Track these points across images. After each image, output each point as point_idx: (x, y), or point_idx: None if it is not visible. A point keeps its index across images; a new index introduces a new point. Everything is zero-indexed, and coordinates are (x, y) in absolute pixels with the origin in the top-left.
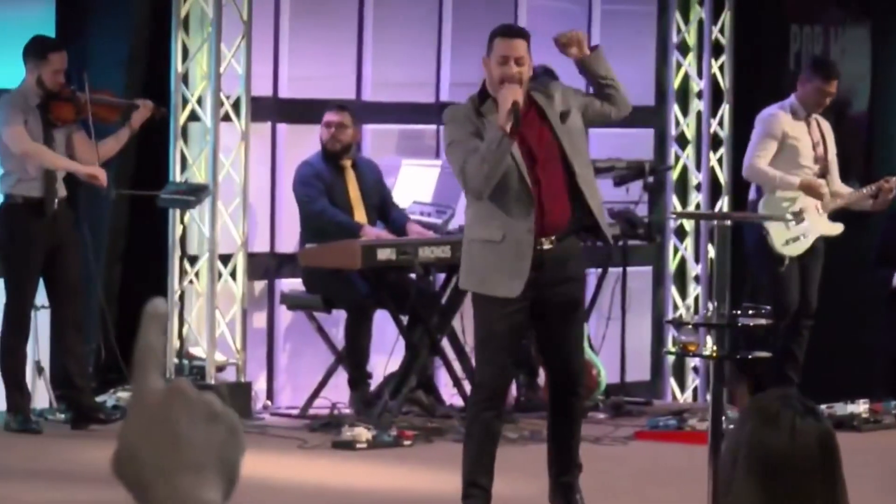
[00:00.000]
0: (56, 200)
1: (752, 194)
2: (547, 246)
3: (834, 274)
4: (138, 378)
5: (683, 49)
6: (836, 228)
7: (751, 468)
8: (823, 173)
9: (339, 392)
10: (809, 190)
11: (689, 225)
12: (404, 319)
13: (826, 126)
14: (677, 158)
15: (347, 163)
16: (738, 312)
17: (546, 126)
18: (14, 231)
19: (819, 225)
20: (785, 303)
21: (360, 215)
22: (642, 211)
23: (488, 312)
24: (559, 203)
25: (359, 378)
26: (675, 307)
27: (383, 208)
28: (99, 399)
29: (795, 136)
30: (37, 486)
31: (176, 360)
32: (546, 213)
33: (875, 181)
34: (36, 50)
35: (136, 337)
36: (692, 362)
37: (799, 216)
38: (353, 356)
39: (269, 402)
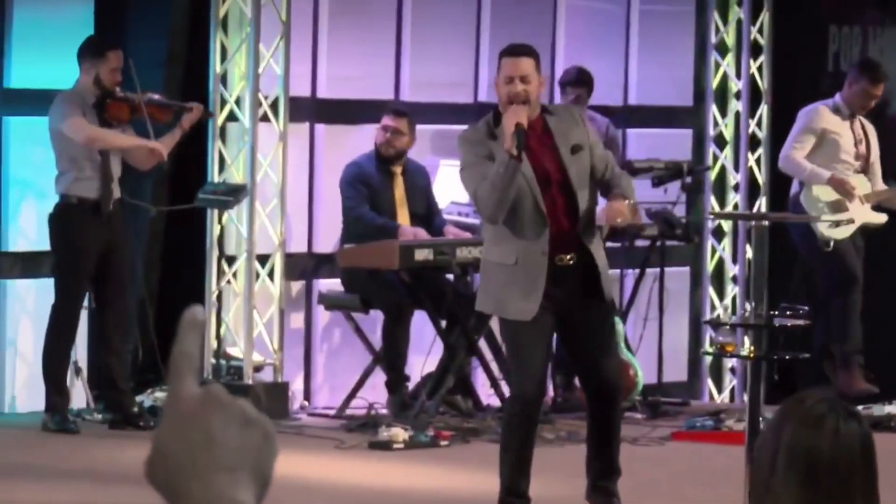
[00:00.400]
0: (112, 201)
1: (794, 187)
2: (565, 263)
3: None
4: (174, 383)
5: (722, 49)
6: (880, 218)
7: (792, 470)
8: (864, 171)
9: (376, 392)
10: (839, 187)
11: (726, 225)
12: (443, 321)
13: (870, 127)
14: (715, 159)
15: (398, 169)
16: (776, 313)
17: (556, 152)
18: (69, 232)
19: (863, 213)
20: (847, 272)
21: (402, 219)
22: (680, 211)
23: (513, 326)
24: (573, 221)
25: (396, 379)
26: (713, 307)
27: (428, 215)
28: (137, 399)
29: (837, 132)
30: (72, 486)
31: (213, 361)
32: (562, 231)
33: None
34: (93, 48)
35: (174, 343)
36: (729, 363)
37: (840, 205)
38: (391, 357)
39: (306, 403)
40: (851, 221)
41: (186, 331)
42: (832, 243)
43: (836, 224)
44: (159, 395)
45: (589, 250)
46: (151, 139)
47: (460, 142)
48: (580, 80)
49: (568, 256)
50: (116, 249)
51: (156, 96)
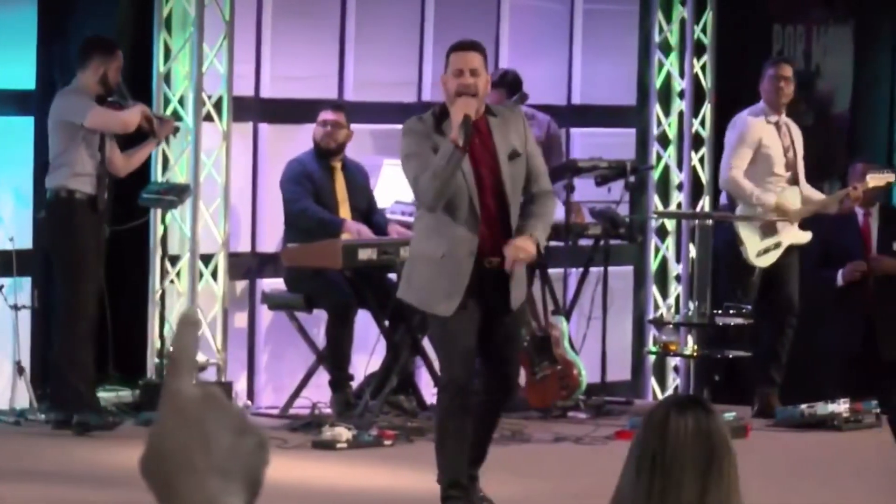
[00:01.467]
0: (104, 200)
1: (722, 199)
2: (493, 265)
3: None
4: (172, 380)
5: (665, 48)
6: (806, 237)
7: (631, 464)
8: (795, 180)
9: (319, 392)
10: (782, 213)
11: (670, 224)
12: (386, 320)
13: (795, 130)
14: (659, 158)
15: (338, 164)
16: (719, 312)
17: (494, 156)
18: (72, 227)
19: (790, 234)
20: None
21: (345, 214)
22: (624, 210)
23: (438, 317)
24: (503, 226)
25: (340, 379)
26: (657, 307)
27: (369, 212)
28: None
29: (768, 144)
30: (20, 487)
31: (157, 360)
32: (492, 235)
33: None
34: (103, 46)
35: (172, 341)
36: (673, 361)
37: (771, 227)
38: (335, 357)
39: (249, 402)
40: (779, 246)
41: (183, 329)
42: (757, 272)
43: (764, 251)
44: (104, 394)
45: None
46: (146, 145)
47: (405, 131)
48: (501, 83)
49: (496, 260)
50: (103, 247)
51: (139, 104)
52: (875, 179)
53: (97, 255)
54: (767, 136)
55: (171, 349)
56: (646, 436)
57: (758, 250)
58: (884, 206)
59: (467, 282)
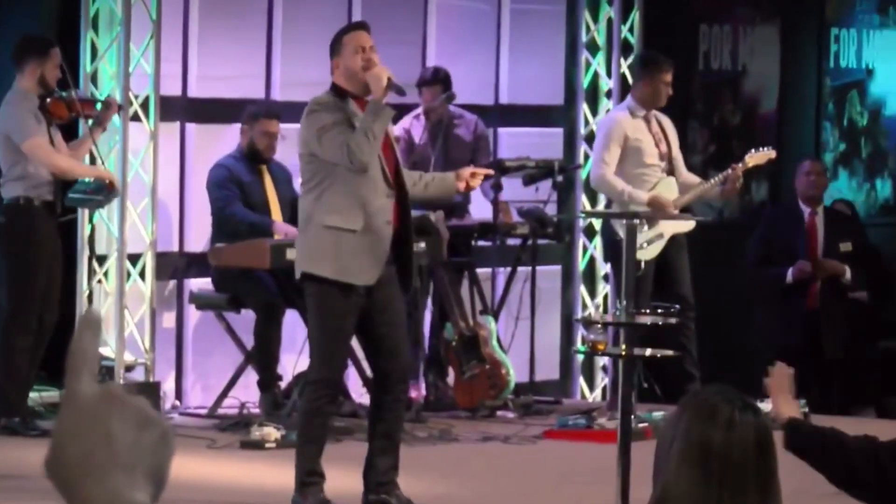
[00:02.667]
0: (62, 203)
1: (605, 199)
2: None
3: (714, 272)
4: (71, 381)
5: (592, 48)
6: (688, 225)
7: (686, 459)
8: (671, 170)
9: (248, 392)
10: (657, 205)
11: (598, 224)
12: None
13: (666, 121)
14: (586, 157)
15: (264, 166)
16: (646, 311)
17: (388, 139)
18: (31, 234)
19: (671, 224)
20: (641, 305)
21: (276, 215)
22: (552, 210)
23: (339, 302)
24: (397, 206)
25: (268, 379)
26: (585, 306)
27: (294, 213)
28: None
29: (637, 137)
30: None
31: (71, 345)
32: (396, 207)
33: (782, 180)
34: (36, 47)
35: (72, 341)
36: (601, 361)
37: (651, 220)
38: (263, 357)
39: (177, 402)
40: (661, 237)
41: (83, 329)
42: (643, 265)
43: (647, 243)
44: (31, 395)
45: (410, 237)
46: (87, 135)
47: (311, 109)
48: (436, 79)
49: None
50: (57, 254)
51: (79, 92)
52: (754, 158)
53: (51, 263)
54: (635, 130)
55: (70, 350)
56: (710, 435)
57: (638, 244)
58: (829, 207)
59: (388, 250)
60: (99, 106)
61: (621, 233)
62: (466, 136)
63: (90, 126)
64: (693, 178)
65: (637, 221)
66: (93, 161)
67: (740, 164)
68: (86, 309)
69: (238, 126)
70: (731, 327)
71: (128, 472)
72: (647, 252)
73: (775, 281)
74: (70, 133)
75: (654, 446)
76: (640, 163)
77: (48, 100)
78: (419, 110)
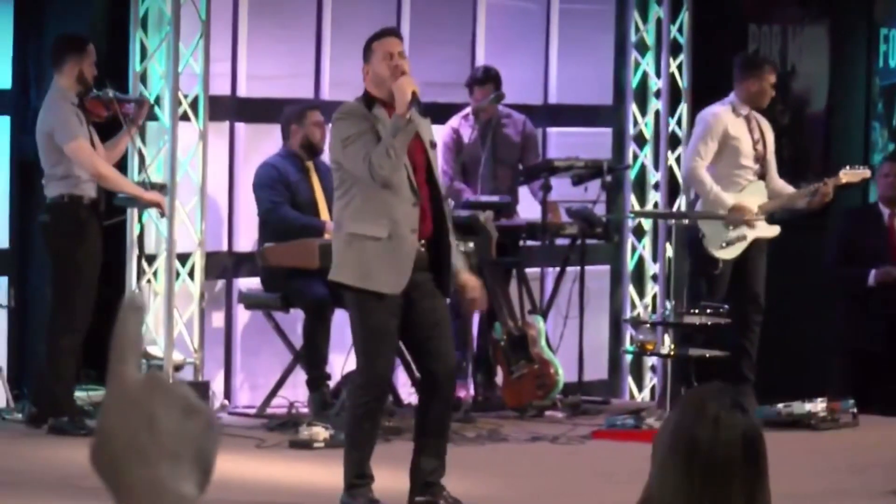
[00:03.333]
0: (104, 200)
1: (692, 194)
2: (421, 248)
3: (787, 272)
4: (115, 367)
5: (642, 48)
6: (773, 231)
7: (673, 455)
8: (763, 173)
9: (296, 391)
10: (738, 213)
11: (647, 224)
12: None
13: (765, 124)
14: (635, 157)
15: (311, 165)
16: (696, 311)
17: (421, 142)
18: (78, 231)
19: (756, 228)
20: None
21: (324, 213)
22: (600, 210)
23: (375, 307)
24: (429, 211)
25: (317, 378)
26: (633, 306)
27: None
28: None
29: (737, 136)
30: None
31: (115, 329)
32: (427, 216)
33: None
34: (73, 45)
35: (115, 327)
36: (650, 361)
37: (734, 222)
38: (311, 357)
39: (226, 402)
40: (744, 239)
41: (127, 315)
42: (721, 264)
43: (728, 244)
44: (79, 394)
45: (445, 242)
46: (124, 134)
47: (339, 117)
48: (487, 78)
49: (422, 242)
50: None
51: (117, 93)
52: (849, 175)
53: (96, 261)
54: (736, 128)
55: (115, 334)
56: (695, 433)
57: (720, 242)
58: None
59: (414, 258)
60: (133, 106)
61: (704, 230)
62: (515, 135)
63: (125, 125)
64: (782, 185)
65: (686, 222)
66: (142, 161)
67: (832, 180)
68: (128, 292)
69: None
70: (805, 329)
71: (173, 460)
72: (728, 252)
73: (856, 283)
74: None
75: None
76: (735, 163)
77: (86, 99)
78: (468, 110)
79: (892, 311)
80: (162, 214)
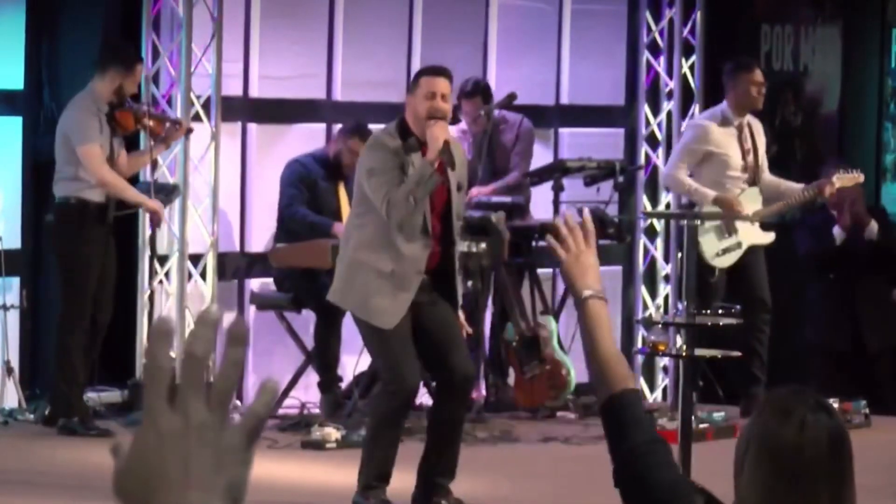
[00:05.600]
0: (113, 207)
1: (685, 198)
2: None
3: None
4: (149, 400)
5: (654, 49)
6: (768, 238)
7: (760, 457)
8: (753, 181)
9: (308, 392)
10: (723, 205)
11: (659, 225)
12: None
13: (757, 128)
14: (648, 158)
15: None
16: (708, 312)
17: (447, 183)
18: (80, 235)
19: (750, 235)
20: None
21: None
22: (613, 211)
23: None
24: (438, 251)
25: (329, 379)
26: (645, 307)
27: None
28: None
29: (723, 150)
30: (5, 487)
31: (145, 361)
32: (433, 256)
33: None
34: (124, 58)
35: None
36: (662, 361)
37: (730, 227)
38: (323, 358)
39: (238, 402)
40: (739, 246)
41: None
42: (717, 272)
43: (724, 252)
44: (91, 395)
45: (450, 273)
46: (148, 150)
47: (372, 145)
48: (476, 91)
49: (425, 277)
50: (110, 254)
51: (151, 108)
52: (842, 180)
53: (101, 264)
54: (723, 142)
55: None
56: (781, 436)
57: (715, 251)
58: None
59: (411, 298)
60: (168, 125)
61: (699, 238)
62: (510, 140)
63: (154, 142)
64: (774, 180)
65: (699, 222)
66: (154, 162)
67: (828, 187)
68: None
69: (301, 126)
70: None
71: (204, 492)
72: (723, 260)
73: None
74: (132, 144)
75: (714, 447)
76: (721, 174)
77: (117, 110)
78: (464, 125)
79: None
80: (157, 224)
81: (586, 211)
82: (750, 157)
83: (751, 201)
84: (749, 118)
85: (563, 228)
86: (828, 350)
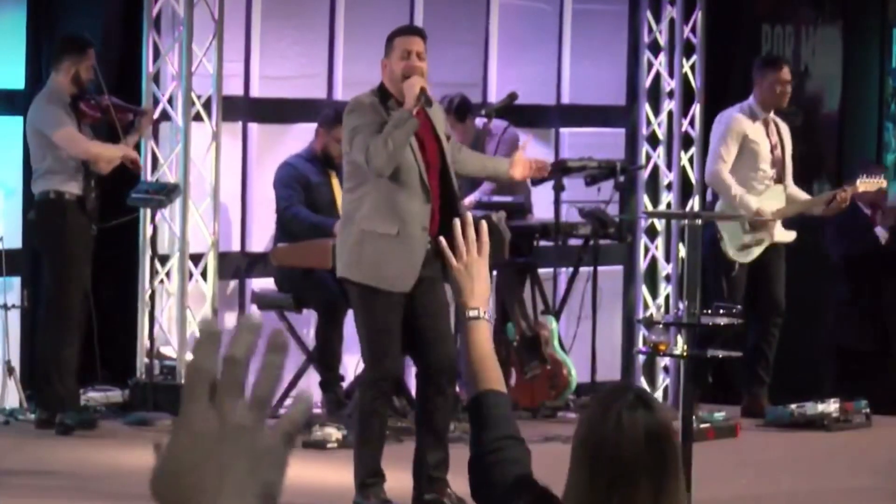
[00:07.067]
0: (92, 198)
1: (710, 196)
2: (428, 245)
3: (803, 273)
4: (187, 401)
5: (655, 48)
6: (790, 236)
7: (580, 454)
8: (780, 177)
9: (309, 392)
10: (761, 219)
11: (660, 224)
12: None
13: (784, 128)
14: (648, 158)
15: (333, 170)
16: (709, 312)
17: (436, 138)
18: (64, 228)
19: (773, 232)
20: (763, 297)
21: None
22: (613, 210)
23: (379, 304)
24: (438, 209)
25: (330, 379)
26: (646, 306)
27: None
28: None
29: (755, 140)
30: (6, 486)
31: (146, 360)
32: (437, 212)
33: (846, 180)
34: (74, 46)
35: (191, 356)
36: (663, 362)
37: (755, 223)
38: (324, 357)
39: None
40: (761, 242)
41: (200, 343)
42: (737, 267)
43: (745, 247)
44: (92, 394)
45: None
46: (120, 141)
47: (350, 108)
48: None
49: (428, 239)
50: (91, 247)
51: (114, 99)
52: (865, 185)
53: (85, 256)
54: (754, 132)
55: (188, 367)
56: (598, 433)
57: (738, 245)
58: None
59: (423, 257)
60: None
61: (722, 232)
62: (492, 150)
63: (127, 133)
64: (800, 193)
65: (699, 222)
66: (154, 161)
67: (850, 188)
68: (202, 319)
69: (302, 126)
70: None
71: (240, 495)
72: (745, 255)
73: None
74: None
75: (714, 447)
76: (753, 166)
77: (80, 101)
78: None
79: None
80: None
81: (483, 222)
82: (777, 152)
83: (774, 199)
84: (775, 118)
85: (458, 236)
86: (853, 350)
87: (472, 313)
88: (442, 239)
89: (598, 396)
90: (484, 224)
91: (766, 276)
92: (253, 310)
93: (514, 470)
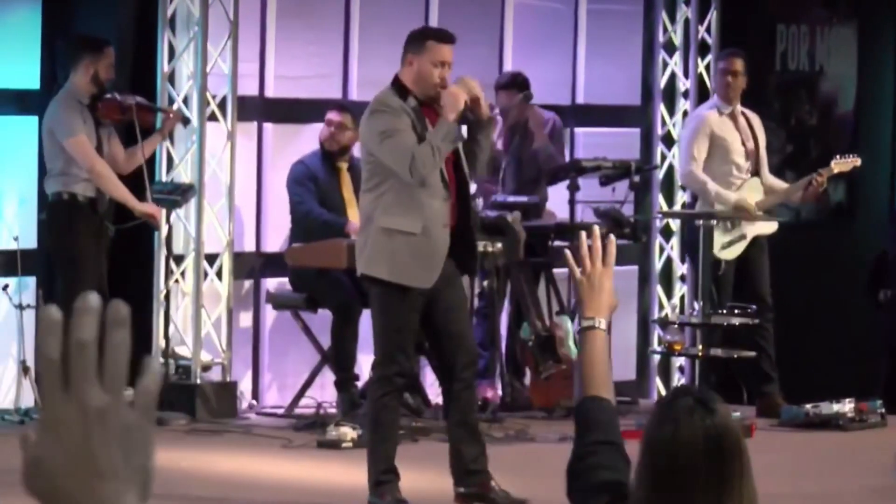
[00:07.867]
0: (106, 200)
1: (688, 197)
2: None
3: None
4: (44, 391)
5: (670, 48)
6: (771, 227)
7: (642, 457)
8: (756, 169)
9: (324, 392)
10: (744, 212)
11: (674, 224)
12: None
13: (755, 120)
14: (663, 158)
15: (344, 165)
16: (724, 312)
17: None
18: (73, 230)
19: (754, 226)
20: (722, 304)
21: (353, 216)
22: (628, 210)
23: (399, 302)
24: (456, 204)
25: (345, 378)
26: (661, 306)
27: None
28: None
29: (722, 135)
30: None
31: (162, 360)
32: (456, 205)
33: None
34: (91, 45)
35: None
36: (678, 361)
37: (734, 221)
38: (339, 357)
39: (254, 402)
40: (743, 238)
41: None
42: (723, 265)
43: (728, 244)
44: None
45: (469, 228)
46: (139, 141)
47: (377, 110)
48: (513, 83)
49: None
50: (105, 247)
51: (139, 99)
52: (840, 165)
53: (97, 257)
54: (721, 127)
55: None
56: (655, 436)
57: (721, 243)
58: None
59: (446, 252)
60: (160, 115)
61: (716, 254)
62: (541, 146)
63: (152, 133)
64: (774, 181)
65: (714, 222)
66: (170, 162)
67: (825, 170)
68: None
69: (317, 126)
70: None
71: (113, 480)
72: (729, 252)
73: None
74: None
75: None
76: (726, 160)
77: (100, 100)
78: (495, 112)
79: None
80: (156, 228)
81: (611, 235)
82: (750, 144)
83: (753, 192)
84: (744, 110)
85: (583, 247)
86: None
87: (586, 322)
88: (568, 252)
89: (659, 401)
90: (612, 237)
91: (749, 273)
92: (88, 295)
93: (605, 475)
